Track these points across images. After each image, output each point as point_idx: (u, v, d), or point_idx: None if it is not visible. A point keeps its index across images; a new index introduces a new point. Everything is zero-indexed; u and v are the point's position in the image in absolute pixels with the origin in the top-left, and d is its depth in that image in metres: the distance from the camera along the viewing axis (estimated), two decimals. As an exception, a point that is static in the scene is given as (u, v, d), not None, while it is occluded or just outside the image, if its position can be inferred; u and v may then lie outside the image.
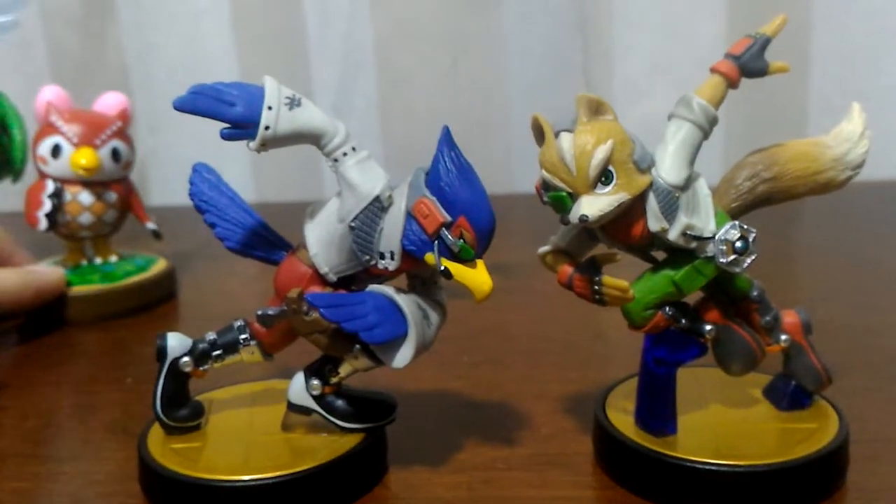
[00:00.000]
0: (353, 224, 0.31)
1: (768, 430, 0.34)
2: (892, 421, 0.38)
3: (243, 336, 0.35)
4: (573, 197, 0.30)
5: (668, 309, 0.33)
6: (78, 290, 0.58)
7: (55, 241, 0.62)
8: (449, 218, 0.30)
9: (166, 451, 0.34)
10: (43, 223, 0.58)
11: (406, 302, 0.32)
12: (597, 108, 0.30)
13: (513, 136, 0.95)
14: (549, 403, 0.41)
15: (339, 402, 0.34)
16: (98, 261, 0.62)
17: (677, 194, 0.31)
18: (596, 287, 0.32)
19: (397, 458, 0.36)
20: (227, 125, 0.30)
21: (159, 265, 0.63)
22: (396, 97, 0.96)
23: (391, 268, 0.31)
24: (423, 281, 0.33)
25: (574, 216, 0.30)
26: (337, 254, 0.32)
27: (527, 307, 0.57)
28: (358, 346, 0.33)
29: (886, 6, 0.89)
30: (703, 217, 0.31)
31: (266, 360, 0.35)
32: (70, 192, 0.58)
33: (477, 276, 0.30)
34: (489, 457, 0.36)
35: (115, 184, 0.60)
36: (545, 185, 0.31)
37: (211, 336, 0.35)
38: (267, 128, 0.30)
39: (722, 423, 0.35)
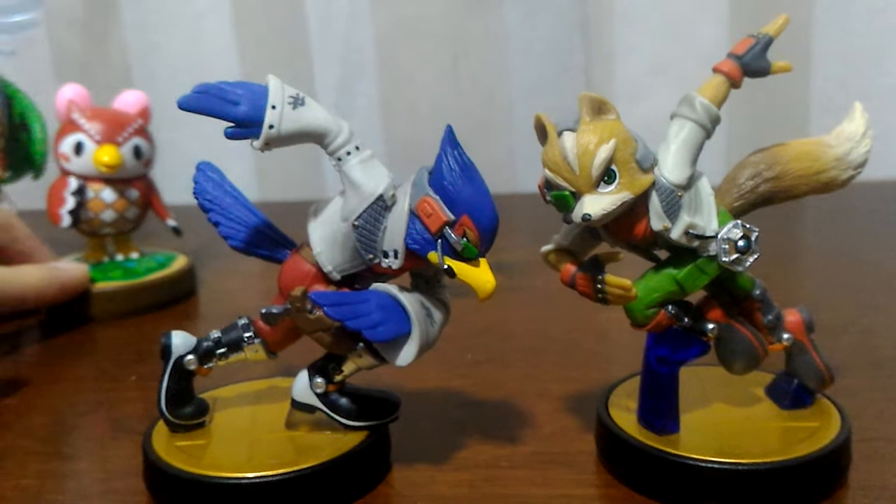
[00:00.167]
0: (356, 223, 0.31)
1: (770, 428, 0.34)
2: (893, 420, 0.38)
3: (247, 334, 0.35)
4: (576, 196, 0.30)
5: (670, 308, 0.33)
6: (101, 286, 0.58)
7: (75, 238, 0.62)
8: (452, 217, 0.30)
9: (171, 449, 0.34)
10: (66, 220, 0.58)
11: (409, 300, 0.32)
12: (599, 108, 0.30)
13: (515, 135, 0.95)
14: (552, 402, 0.41)
15: (343, 400, 0.35)
16: (119, 257, 0.62)
17: (680, 193, 0.31)
18: (599, 286, 0.32)
19: (400, 455, 0.36)
20: (230, 124, 0.31)
21: (179, 262, 0.64)
22: (398, 97, 0.96)
23: (395, 266, 0.31)
24: (427, 279, 0.33)
25: (577, 215, 0.30)
26: (340, 252, 0.33)
27: (529, 306, 0.57)
28: (361, 344, 0.33)
29: (887, 6, 0.89)
30: (705, 216, 0.31)
31: (270, 358, 0.35)
32: (93, 190, 0.59)
33: (480, 275, 0.30)
34: (492, 455, 0.36)
35: (137, 181, 0.61)
36: (548, 185, 0.31)
37: (215, 334, 0.35)
38: (271, 127, 0.30)
39: (724, 421, 0.35)
